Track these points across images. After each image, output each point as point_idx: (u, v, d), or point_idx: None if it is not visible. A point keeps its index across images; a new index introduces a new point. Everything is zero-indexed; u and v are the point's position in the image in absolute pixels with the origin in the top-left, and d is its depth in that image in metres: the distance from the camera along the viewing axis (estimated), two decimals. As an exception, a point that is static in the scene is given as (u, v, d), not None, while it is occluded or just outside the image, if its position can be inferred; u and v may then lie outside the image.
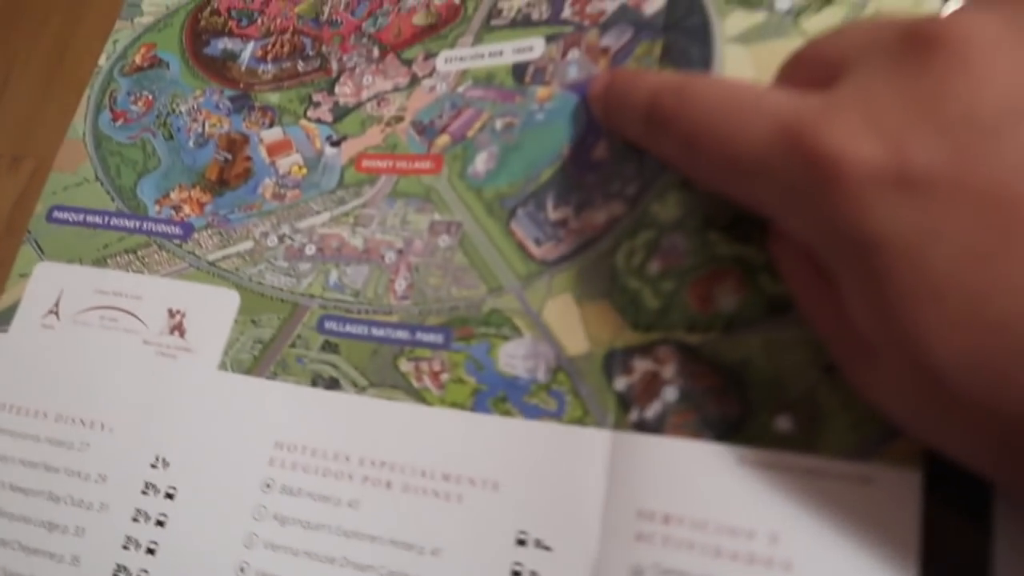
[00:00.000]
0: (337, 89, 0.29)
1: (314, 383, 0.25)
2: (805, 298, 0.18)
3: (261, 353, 0.26)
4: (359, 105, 0.29)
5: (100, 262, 0.29)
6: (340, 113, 0.29)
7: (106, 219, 0.29)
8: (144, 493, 0.25)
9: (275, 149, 0.29)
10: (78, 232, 0.30)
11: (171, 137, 0.30)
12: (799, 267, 0.18)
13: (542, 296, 0.24)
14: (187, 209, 0.29)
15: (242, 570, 0.23)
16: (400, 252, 0.26)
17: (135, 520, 0.25)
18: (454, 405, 0.23)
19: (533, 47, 0.27)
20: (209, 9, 0.33)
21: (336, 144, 0.28)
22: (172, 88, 0.31)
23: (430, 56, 0.28)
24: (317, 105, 0.29)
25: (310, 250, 0.27)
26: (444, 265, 0.25)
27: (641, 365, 0.22)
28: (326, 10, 0.31)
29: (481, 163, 0.26)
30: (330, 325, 0.26)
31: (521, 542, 0.21)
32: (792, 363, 0.20)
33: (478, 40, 0.28)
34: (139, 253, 0.29)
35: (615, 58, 0.25)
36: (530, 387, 0.23)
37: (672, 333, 0.21)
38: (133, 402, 0.26)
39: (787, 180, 0.16)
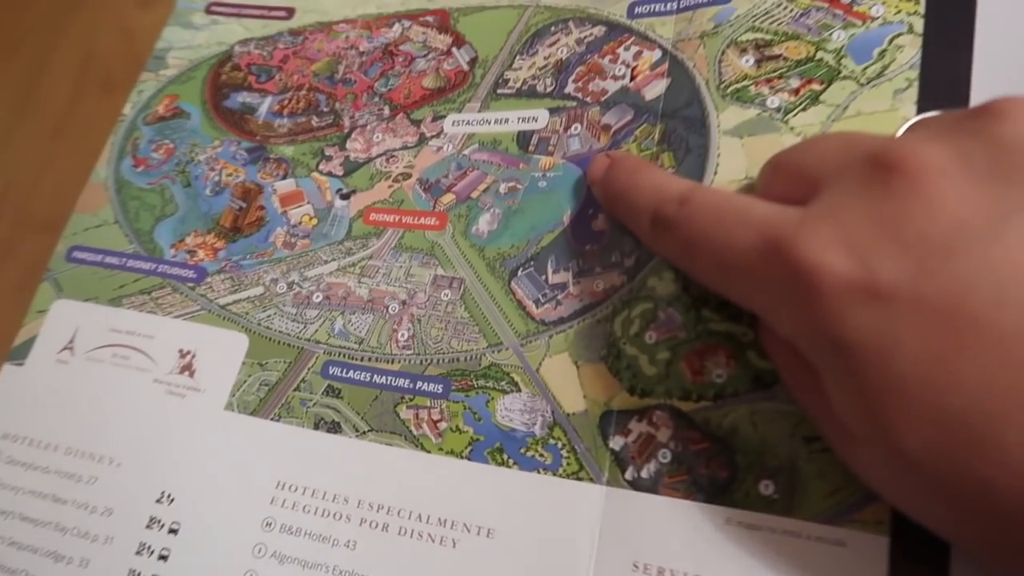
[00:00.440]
0: (348, 144, 0.31)
1: (316, 426, 0.26)
2: (794, 384, 0.20)
3: (267, 395, 0.27)
4: (369, 161, 0.30)
5: (116, 301, 0.30)
6: (350, 167, 0.31)
7: (123, 260, 0.31)
8: (149, 527, 0.26)
9: (288, 200, 0.31)
10: (96, 272, 0.31)
11: (189, 184, 0.32)
12: (787, 357, 0.20)
13: (540, 354, 0.25)
14: (201, 254, 0.30)
15: (241, 607, 0.24)
16: (403, 303, 0.27)
17: (139, 553, 0.25)
18: (451, 453, 0.24)
19: (537, 118, 0.28)
20: (230, 64, 0.34)
21: (346, 197, 0.30)
22: (192, 138, 0.33)
23: (438, 118, 0.30)
24: (329, 159, 0.31)
25: (317, 298, 0.28)
26: (446, 318, 0.27)
27: (637, 427, 0.23)
28: (341, 69, 0.33)
29: (484, 223, 0.28)
30: (334, 371, 0.27)
31: (512, 588, 0.22)
32: (775, 433, 0.21)
33: (485, 106, 0.30)
34: (153, 294, 0.30)
35: (616, 136, 0.27)
36: (527, 440, 0.24)
37: (667, 400, 0.23)
38: (141, 438, 0.27)
39: (770, 285, 0.18)
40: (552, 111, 0.28)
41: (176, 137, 0.33)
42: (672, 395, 0.23)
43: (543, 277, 0.26)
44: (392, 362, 0.26)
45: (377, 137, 0.31)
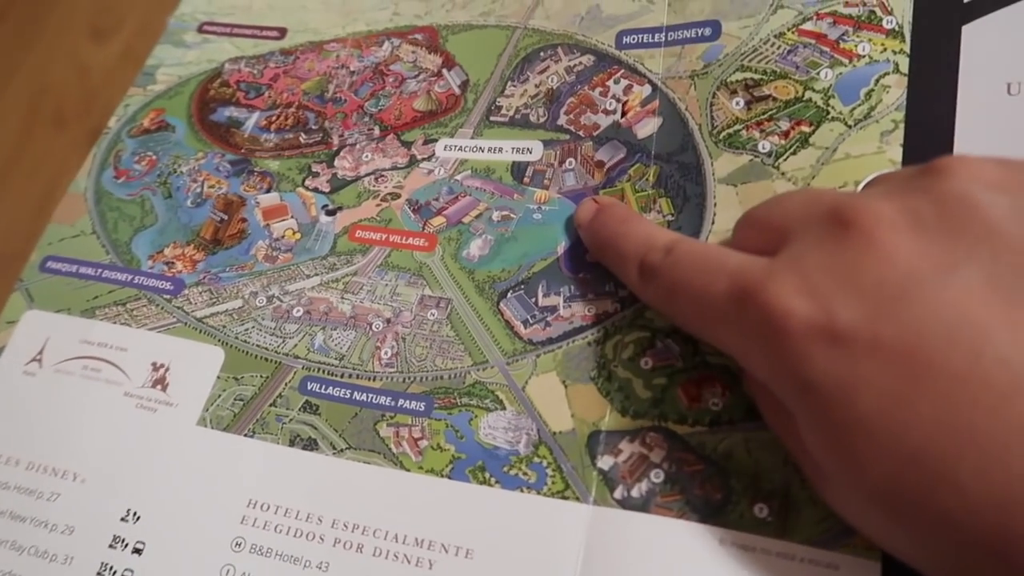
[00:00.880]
0: (337, 162, 0.31)
1: (292, 443, 0.25)
2: (774, 424, 0.21)
3: (241, 410, 0.26)
4: (357, 179, 0.30)
5: (89, 313, 0.29)
6: (338, 184, 0.30)
7: (98, 271, 0.30)
8: (112, 547, 0.25)
9: (270, 213, 0.30)
10: (69, 283, 0.30)
11: (170, 196, 0.32)
12: (766, 398, 0.21)
13: (527, 373, 0.25)
14: (180, 265, 0.30)
15: (206, 630, 0.23)
16: (388, 321, 0.27)
17: (99, 575, 0.24)
18: (431, 472, 0.24)
19: (532, 149, 0.29)
20: (220, 80, 0.34)
21: (331, 213, 0.30)
22: (175, 150, 0.33)
23: (429, 141, 0.30)
24: (316, 175, 0.31)
25: (298, 312, 0.28)
26: (431, 337, 0.26)
27: (629, 447, 0.23)
28: (331, 88, 0.33)
29: (476, 248, 0.28)
30: (312, 386, 0.26)
31: (491, 612, 0.22)
32: (770, 459, 0.22)
33: (478, 133, 0.30)
34: (128, 306, 0.29)
35: (609, 173, 0.27)
36: (510, 459, 0.24)
37: (661, 422, 0.23)
38: (108, 453, 0.26)
39: (743, 329, 0.19)
40: (546, 143, 0.29)
41: (159, 149, 0.33)
42: (667, 418, 0.23)
43: (533, 300, 0.26)
44: (374, 379, 0.26)
45: (366, 156, 0.31)
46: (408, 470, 0.24)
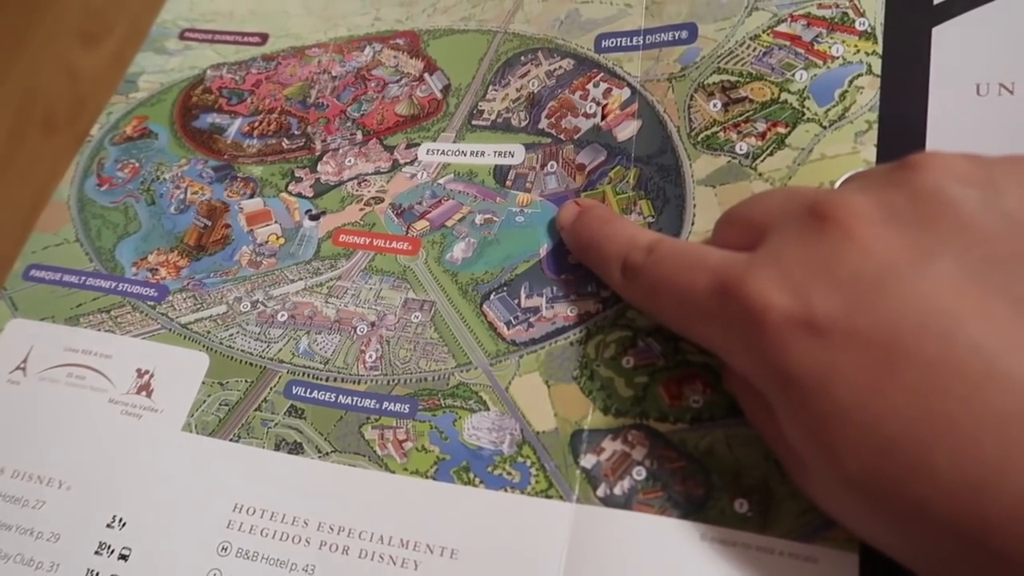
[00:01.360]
0: (320, 167, 0.31)
1: (277, 447, 0.25)
2: (753, 417, 0.21)
3: (227, 415, 0.26)
4: (340, 184, 0.30)
5: (73, 320, 0.29)
6: (321, 189, 0.31)
7: (82, 279, 0.30)
8: (98, 553, 0.25)
9: (254, 218, 0.31)
10: (53, 291, 0.30)
11: (153, 202, 0.32)
12: (746, 392, 0.21)
13: (510, 374, 0.25)
14: (164, 272, 0.30)
15: (193, 635, 0.23)
16: (372, 325, 0.27)
17: (85, 581, 0.24)
18: (416, 473, 0.24)
19: (514, 153, 0.29)
20: (202, 87, 0.34)
21: (315, 218, 0.30)
22: (159, 156, 0.33)
23: (412, 145, 0.30)
24: (299, 180, 0.31)
25: (282, 317, 0.28)
26: (415, 339, 0.26)
27: (611, 446, 0.23)
28: (313, 93, 0.33)
29: (459, 251, 0.28)
30: (297, 390, 0.26)
31: (477, 611, 0.22)
32: (750, 455, 0.22)
33: (460, 137, 0.30)
34: (112, 313, 0.29)
35: (591, 176, 0.28)
36: (494, 459, 0.24)
37: (643, 420, 0.23)
38: (93, 460, 0.26)
39: (724, 323, 0.19)
40: (528, 147, 0.29)
41: (142, 156, 0.33)
42: (648, 416, 0.23)
43: (516, 301, 0.26)
44: (358, 383, 0.26)
45: (349, 161, 0.31)
46: (393, 472, 0.24)
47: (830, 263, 0.17)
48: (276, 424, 0.26)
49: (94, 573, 0.24)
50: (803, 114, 0.25)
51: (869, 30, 0.25)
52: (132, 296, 0.29)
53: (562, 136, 0.29)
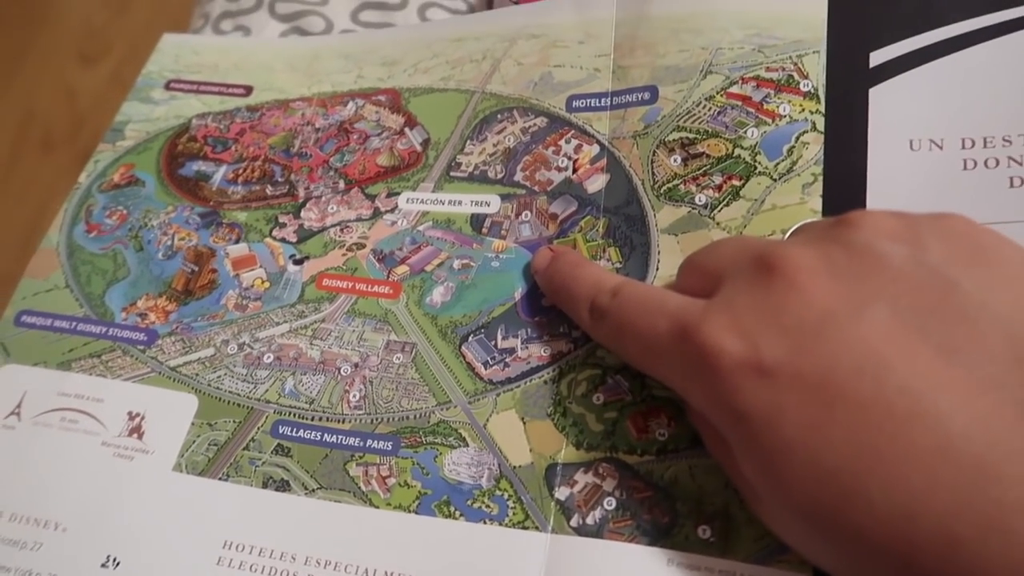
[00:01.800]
0: (303, 214, 0.33)
1: (265, 485, 0.27)
2: (713, 450, 0.23)
3: (216, 455, 0.28)
4: (323, 230, 0.32)
5: (65, 365, 0.30)
6: (304, 235, 0.32)
7: (73, 324, 0.31)
8: (92, 592, 0.25)
9: (240, 263, 0.32)
10: (45, 336, 0.31)
11: (141, 249, 0.33)
12: (707, 427, 0.23)
13: (488, 411, 0.27)
14: (152, 317, 0.31)
15: (187, 669, 0.24)
16: (356, 366, 0.28)
17: (80, 619, 0.25)
18: (399, 508, 0.25)
19: (490, 203, 0.31)
20: (187, 136, 0.36)
21: (299, 263, 0.31)
22: (146, 204, 0.34)
23: (392, 194, 0.32)
24: (283, 226, 0.32)
25: (268, 358, 0.29)
26: (397, 379, 0.28)
27: (584, 478, 0.25)
28: (296, 143, 0.35)
29: (438, 295, 0.29)
30: (284, 430, 0.28)
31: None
32: (711, 483, 0.24)
33: (439, 187, 0.32)
34: (103, 358, 0.30)
35: (563, 225, 0.30)
36: (473, 493, 0.25)
37: (613, 453, 0.25)
38: (88, 502, 0.27)
39: (682, 365, 0.21)
40: (503, 197, 0.31)
41: (130, 204, 0.34)
42: (618, 449, 0.25)
43: (493, 342, 0.28)
44: (343, 422, 0.27)
45: (332, 208, 0.32)
46: (377, 507, 0.26)
47: (776, 311, 0.19)
48: (263, 463, 0.27)
49: (88, 611, 0.25)
50: (755, 168, 0.27)
51: (813, 91, 0.28)
52: (122, 340, 0.30)
53: (536, 188, 0.31)
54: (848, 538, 0.18)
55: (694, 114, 0.29)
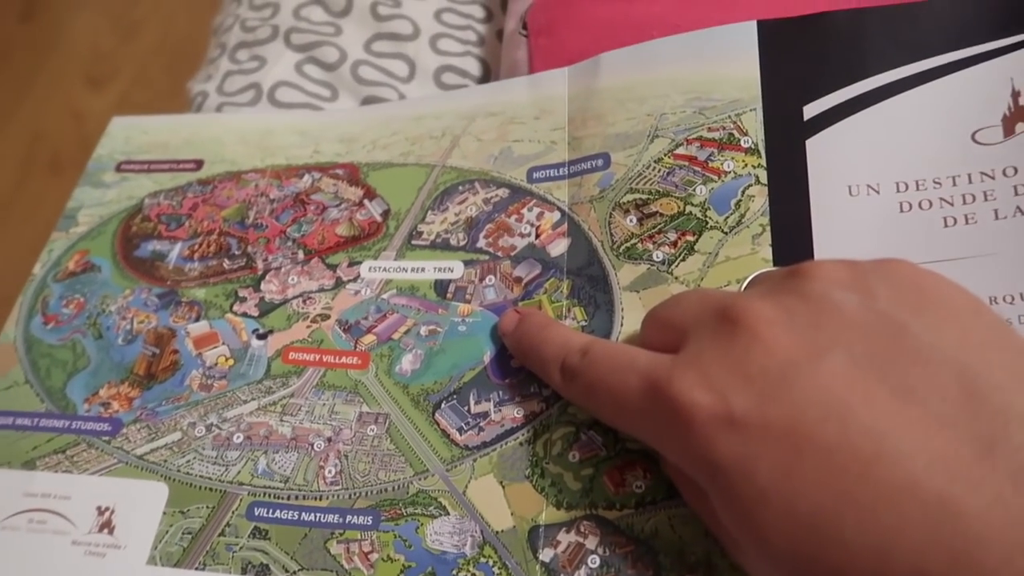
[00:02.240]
0: (263, 286, 0.33)
1: (244, 571, 0.26)
2: (691, 500, 0.24)
3: (191, 544, 0.27)
4: (285, 302, 0.32)
5: (29, 464, 0.29)
6: (266, 308, 0.32)
7: (35, 421, 0.30)
8: None
9: (201, 342, 0.32)
10: (6, 436, 0.30)
11: (100, 336, 0.32)
12: (683, 478, 0.23)
13: (466, 478, 0.27)
14: (116, 405, 0.30)
15: None
16: (329, 440, 0.28)
17: None
18: (384, 584, 0.25)
19: (453, 268, 0.31)
20: (141, 216, 0.36)
21: (263, 337, 0.31)
22: (103, 290, 0.34)
23: (354, 263, 0.32)
24: (243, 300, 0.32)
25: (238, 438, 0.29)
26: (372, 452, 0.28)
27: (566, 538, 0.25)
28: (251, 214, 0.35)
29: (407, 363, 0.30)
30: (260, 511, 0.27)
31: None
32: (691, 533, 0.24)
33: (400, 255, 0.32)
34: (68, 452, 0.30)
35: (528, 287, 0.30)
36: (458, 562, 0.25)
37: (592, 510, 0.25)
38: (60, 604, 0.26)
39: (654, 420, 0.22)
40: (467, 263, 0.31)
41: (87, 291, 0.34)
42: (597, 505, 0.25)
43: (466, 408, 0.28)
44: (320, 499, 0.27)
45: (293, 279, 0.33)
46: (362, 584, 0.25)
47: (741, 362, 0.20)
48: (241, 547, 0.27)
49: None
50: (707, 223, 0.28)
51: (753, 146, 0.29)
52: (86, 433, 0.30)
53: (499, 253, 0.31)
54: None
55: (645, 176, 0.30)
